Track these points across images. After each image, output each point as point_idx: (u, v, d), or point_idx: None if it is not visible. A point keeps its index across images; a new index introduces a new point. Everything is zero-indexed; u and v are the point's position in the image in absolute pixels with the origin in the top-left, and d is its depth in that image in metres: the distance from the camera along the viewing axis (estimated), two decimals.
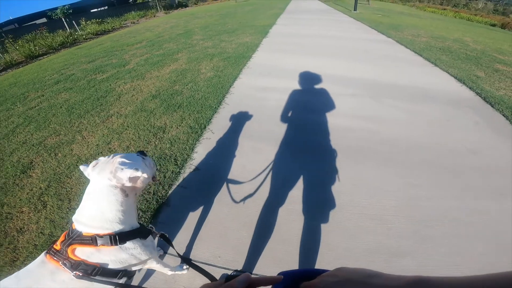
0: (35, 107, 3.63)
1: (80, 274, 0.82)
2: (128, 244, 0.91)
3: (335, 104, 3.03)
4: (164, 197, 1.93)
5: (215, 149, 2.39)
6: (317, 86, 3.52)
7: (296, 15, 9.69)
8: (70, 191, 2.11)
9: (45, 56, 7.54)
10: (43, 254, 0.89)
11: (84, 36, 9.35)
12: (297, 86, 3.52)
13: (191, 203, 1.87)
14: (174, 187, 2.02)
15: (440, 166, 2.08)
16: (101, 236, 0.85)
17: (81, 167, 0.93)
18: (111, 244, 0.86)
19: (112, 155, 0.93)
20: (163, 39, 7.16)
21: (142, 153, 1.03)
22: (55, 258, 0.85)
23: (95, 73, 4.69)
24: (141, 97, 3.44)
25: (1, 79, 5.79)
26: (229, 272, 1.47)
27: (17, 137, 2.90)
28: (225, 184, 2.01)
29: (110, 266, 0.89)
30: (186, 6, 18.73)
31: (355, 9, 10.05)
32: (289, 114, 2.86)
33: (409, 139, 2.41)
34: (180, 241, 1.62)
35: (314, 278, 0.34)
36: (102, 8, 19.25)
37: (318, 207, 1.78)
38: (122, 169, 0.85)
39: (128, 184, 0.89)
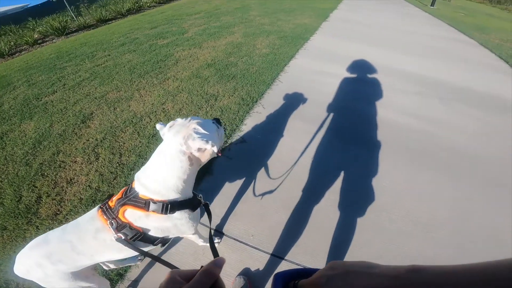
0: (101, 64, 3.91)
1: (122, 238, 0.80)
2: (177, 214, 0.88)
3: (397, 100, 2.73)
4: (208, 165, 1.92)
5: (264, 124, 2.34)
6: (379, 79, 3.19)
7: (360, 2, 8.85)
8: (123, 146, 2.15)
9: (114, 21, 8.12)
10: (96, 208, 0.88)
11: (148, 4, 9.85)
12: (356, 75, 3.24)
13: (233, 176, 1.85)
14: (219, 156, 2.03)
15: (503, 185, 1.81)
16: (154, 202, 0.81)
17: (158, 126, 0.90)
18: (161, 212, 0.82)
19: (190, 118, 0.88)
20: (220, 11, 7.18)
21: (217, 121, 0.96)
22: (105, 216, 0.83)
23: (156, 39, 4.91)
24: (197, 65, 3.51)
25: (73, 39, 6.38)
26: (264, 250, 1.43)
27: (82, 89, 3.10)
28: (269, 160, 1.96)
29: (151, 233, 0.86)
30: None
31: (432, 5, 8.68)
32: (344, 103, 2.65)
33: (475, 150, 2.10)
34: (216, 213, 1.59)
35: (309, 276, 0.34)
36: None
37: (359, 202, 1.66)
38: (194, 138, 0.80)
39: (196, 153, 0.85)
